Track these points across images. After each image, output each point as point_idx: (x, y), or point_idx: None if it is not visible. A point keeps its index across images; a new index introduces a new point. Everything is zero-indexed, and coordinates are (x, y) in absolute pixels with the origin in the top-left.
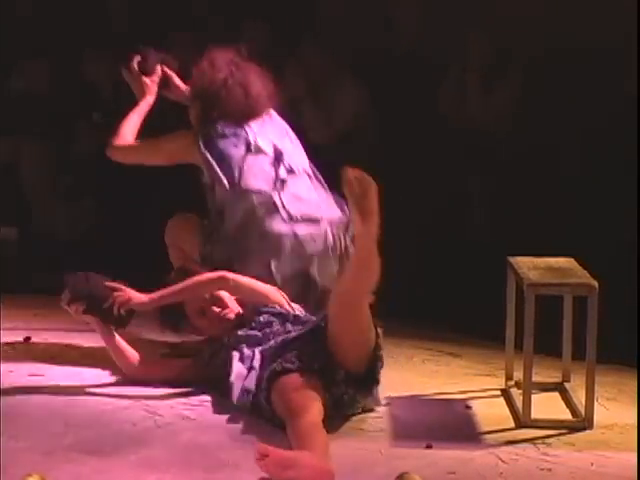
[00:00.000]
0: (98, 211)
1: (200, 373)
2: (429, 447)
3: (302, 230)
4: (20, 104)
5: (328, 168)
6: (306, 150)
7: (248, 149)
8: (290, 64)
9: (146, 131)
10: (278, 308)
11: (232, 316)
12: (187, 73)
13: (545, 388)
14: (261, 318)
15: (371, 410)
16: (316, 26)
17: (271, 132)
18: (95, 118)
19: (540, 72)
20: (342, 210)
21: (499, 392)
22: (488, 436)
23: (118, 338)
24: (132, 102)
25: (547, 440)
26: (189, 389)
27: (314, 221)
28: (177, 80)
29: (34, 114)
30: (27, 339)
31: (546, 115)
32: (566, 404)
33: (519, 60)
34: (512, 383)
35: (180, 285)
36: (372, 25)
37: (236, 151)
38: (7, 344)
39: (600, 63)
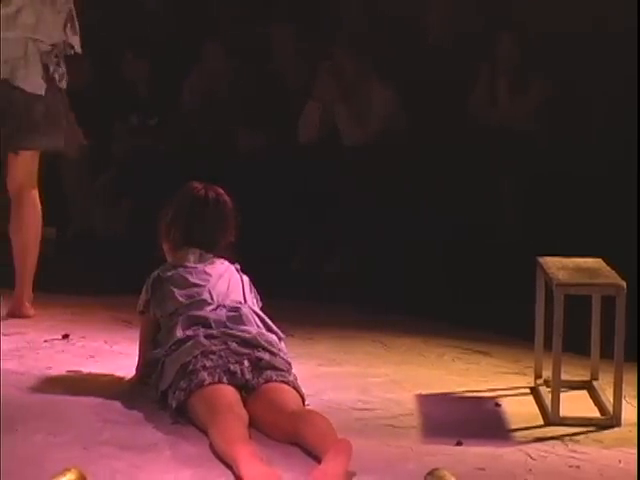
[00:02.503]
0: (136, 212)
1: None
2: (459, 444)
3: None
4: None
5: (362, 169)
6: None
7: None
8: (323, 67)
9: None
10: None
11: None
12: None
13: (573, 386)
14: None
15: None
16: (348, 29)
17: None
18: (133, 121)
19: (569, 73)
20: None
21: (528, 390)
22: (517, 433)
23: None
24: (169, 106)
25: (575, 437)
26: None
27: None
28: None
29: (75, 112)
30: (65, 336)
31: (576, 116)
32: (594, 402)
33: (548, 61)
34: (541, 381)
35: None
36: (403, 27)
37: None
38: (46, 341)
39: (629, 63)
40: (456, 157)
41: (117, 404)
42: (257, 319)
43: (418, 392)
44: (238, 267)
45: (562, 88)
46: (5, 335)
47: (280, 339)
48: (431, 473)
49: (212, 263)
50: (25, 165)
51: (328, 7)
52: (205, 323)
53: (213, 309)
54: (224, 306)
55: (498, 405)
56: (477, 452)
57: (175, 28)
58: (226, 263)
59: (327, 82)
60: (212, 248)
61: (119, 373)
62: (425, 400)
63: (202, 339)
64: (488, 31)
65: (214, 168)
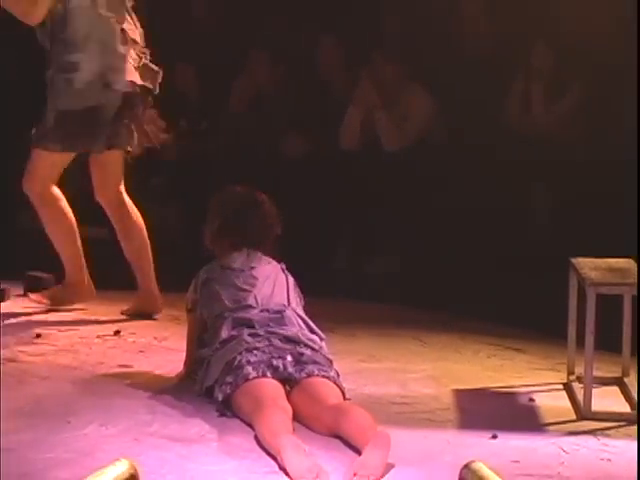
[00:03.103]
0: (186, 212)
1: None
2: (494, 437)
3: None
4: None
5: (402, 174)
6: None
7: None
8: (364, 75)
9: None
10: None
11: None
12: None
13: (605, 382)
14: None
15: None
16: (388, 37)
17: None
18: (182, 125)
19: (601, 80)
20: None
21: (561, 386)
22: (551, 427)
23: None
24: (218, 112)
25: (607, 432)
26: None
27: None
28: None
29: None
30: (117, 332)
31: (607, 121)
32: (625, 398)
33: (582, 69)
34: (574, 377)
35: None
36: (441, 35)
37: None
38: (98, 337)
39: None
40: (491, 161)
41: (166, 397)
42: (300, 320)
43: (455, 387)
44: (284, 267)
45: (595, 94)
46: (60, 331)
47: (321, 339)
48: (467, 465)
49: (259, 263)
50: (117, 164)
51: (369, 16)
52: (249, 324)
53: (257, 312)
54: (268, 310)
55: (532, 400)
56: (512, 445)
57: (223, 35)
58: (273, 262)
59: (367, 89)
60: (258, 248)
61: (168, 368)
62: (461, 395)
63: (246, 337)
64: (523, 39)
65: (259, 171)
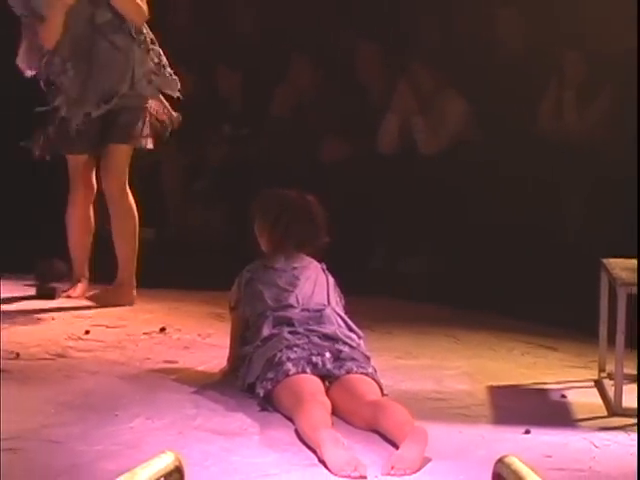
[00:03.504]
0: (229, 214)
1: None
2: (527, 432)
3: None
4: None
5: (437, 177)
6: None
7: None
8: (402, 82)
9: None
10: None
11: None
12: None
13: (635, 379)
14: None
15: None
16: (425, 45)
17: None
18: (226, 130)
19: (632, 87)
20: None
21: (592, 383)
22: (582, 423)
23: None
24: (260, 117)
25: (637, 427)
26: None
27: None
28: None
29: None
30: (163, 329)
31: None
32: None
33: (613, 76)
34: (605, 375)
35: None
36: (476, 42)
37: None
38: (145, 334)
39: None
40: (525, 164)
41: (209, 392)
42: (339, 319)
43: (489, 384)
44: (324, 267)
45: (627, 99)
46: (108, 328)
47: (359, 337)
48: (501, 459)
49: (301, 264)
50: (126, 160)
51: (407, 24)
52: (289, 323)
53: (298, 311)
54: (308, 309)
55: (564, 397)
56: (544, 440)
57: (266, 43)
58: (314, 263)
59: (405, 95)
60: (302, 249)
61: (211, 364)
62: (496, 391)
63: (286, 334)
64: (555, 46)
65: (300, 174)
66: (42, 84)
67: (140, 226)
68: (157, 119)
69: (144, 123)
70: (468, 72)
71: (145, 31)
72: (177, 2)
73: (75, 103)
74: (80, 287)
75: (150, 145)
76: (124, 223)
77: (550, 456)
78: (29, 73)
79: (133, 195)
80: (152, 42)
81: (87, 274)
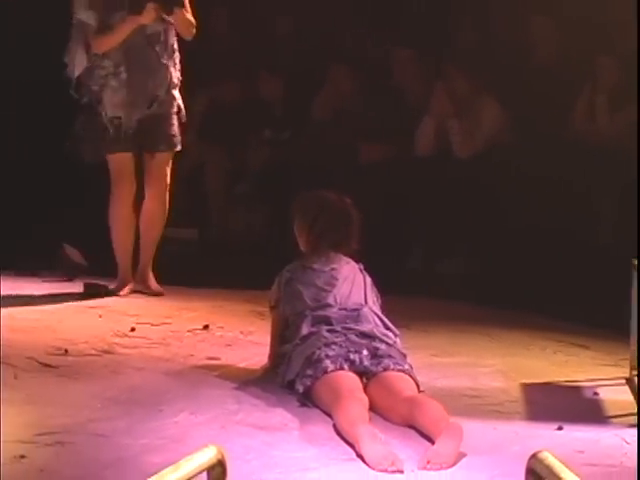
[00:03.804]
0: (270, 216)
1: None
2: (560, 429)
3: None
4: (211, 115)
5: (472, 179)
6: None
7: None
8: (438, 86)
9: None
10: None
11: None
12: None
13: None
14: None
15: None
16: (460, 51)
17: None
18: (267, 134)
19: None
20: None
21: (624, 380)
22: (614, 420)
23: None
24: (300, 121)
25: None
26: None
27: None
28: None
29: (220, 126)
30: (206, 327)
31: None
32: None
33: None
34: (635, 372)
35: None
36: (511, 48)
37: None
38: (189, 331)
39: None
40: (558, 167)
41: (251, 388)
42: (376, 318)
43: (523, 381)
44: (362, 267)
45: None
46: (153, 325)
47: (396, 335)
48: (535, 455)
49: (339, 264)
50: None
51: (443, 31)
52: (328, 321)
53: (336, 310)
54: (346, 308)
55: (596, 394)
56: (577, 436)
57: (306, 49)
58: (351, 263)
59: (441, 99)
60: (339, 250)
61: (253, 361)
62: (529, 389)
63: (324, 333)
64: (589, 52)
65: (339, 176)
66: (74, 83)
67: (183, 227)
68: (183, 115)
69: (177, 127)
70: (503, 76)
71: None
72: (219, 11)
73: (125, 105)
74: (129, 286)
75: (179, 146)
76: (155, 224)
77: (582, 452)
78: (75, 72)
79: (177, 197)
80: None
81: (131, 271)
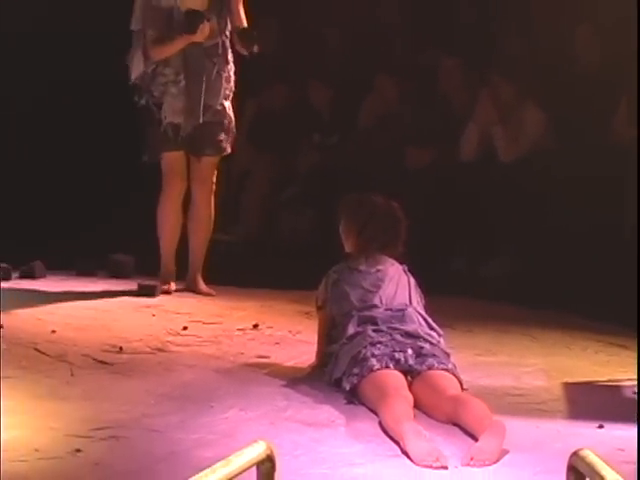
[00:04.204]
0: (317, 219)
1: None
2: (601, 427)
3: None
4: (260, 121)
5: (515, 183)
6: None
7: None
8: (483, 93)
9: None
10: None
11: None
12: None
13: None
14: None
15: None
16: (504, 59)
17: None
18: (315, 139)
19: None
20: None
21: None
22: None
23: None
24: (348, 127)
25: None
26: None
27: None
28: None
29: (270, 131)
30: (255, 326)
31: None
32: None
33: None
34: None
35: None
36: (554, 55)
37: None
38: (239, 330)
39: None
40: (598, 171)
41: (299, 386)
42: (420, 318)
43: (564, 380)
44: (406, 268)
45: None
46: (205, 324)
47: (439, 335)
48: (576, 452)
49: (384, 265)
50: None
51: (487, 39)
52: (373, 321)
53: (381, 311)
54: (391, 309)
55: (636, 393)
56: (617, 435)
57: (354, 57)
58: (396, 264)
59: (486, 106)
60: (385, 252)
61: (301, 359)
62: (571, 388)
63: (370, 332)
64: (630, 58)
65: (386, 180)
66: (135, 88)
67: (233, 230)
68: (233, 126)
69: (227, 133)
70: (546, 83)
71: None
72: (269, 21)
73: (183, 112)
74: (173, 283)
75: (229, 150)
76: (202, 226)
77: (622, 450)
78: (132, 76)
79: (227, 201)
80: None
81: (174, 267)
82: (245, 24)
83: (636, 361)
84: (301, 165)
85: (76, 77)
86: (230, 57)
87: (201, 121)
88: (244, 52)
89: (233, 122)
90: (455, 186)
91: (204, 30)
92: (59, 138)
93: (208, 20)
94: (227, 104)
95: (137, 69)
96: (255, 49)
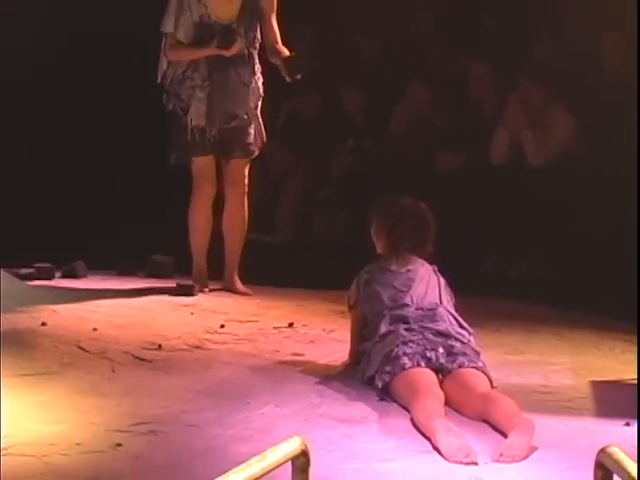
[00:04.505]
0: (351, 221)
1: None
2: (628, 424)
3: None
4: (295, 125)
5: (544, 187)
6: None
7: None
8: (512, 99)
9: None
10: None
11: None
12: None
13: None
14: None
15: None
16: (533, 65)
17: None
18: (349, 144)
19: None
20: None
21: None
22: None
23: None
24: (381, 131)
25: None
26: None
27: None
28: None
29: (304, 135)
30: (290, 325)
31: None
32: None
33: None
34: None
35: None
36: (581, 59)
37: None
38: (274, 328)
39: None
40: (625, 174)
41: (333, 383)
42: (450, 317)
43: (592, 379)
44: (436, 268)
45: None
46: (241, 322)
47: (470, 334)
48: (603, 449)
49: (414, 266)
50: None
51: (516, 46)
52: (405, 320)
53: (413, 310)
54: (422, 308)
55: None
56: None
57: (386, 64)
58: (426, 265)
59: (515, 111)
60: (415, 252)
61: (335, 357)
62: (598, 386)
63: (402, 331)
64: None
65: (418, 183)
66: (164, 93)
67: (269, 231)
68: (261, 132)
69: (254, 137)
70: (574, 88)
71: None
72: (305, 29)
73: (207, 117)
74: (206, 283)
75: (257, 152)
76: (237, 228)
77: None
78: (158, 78)
79: (263, 203)
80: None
81: (206, 268)
82: (287, 52)
83: None
84: (335, 169)
85: (118, 78)
86: (257, 68)
87: (219, 129)
88: (287, 78)
89: (262, 127)
90: (485, 188)
91: (236, 48)
92: (103, 140)
93: (240, 36)
94: (255, 112)
95: (160, 71)
96: (298, 77)
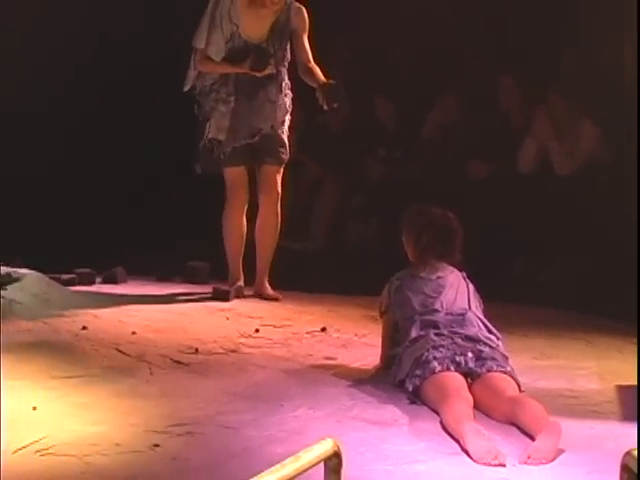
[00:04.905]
0: (382, 228)
1: None
2: None
3: None
4: (329, 136)
5: (571, 196)
6: None
7: None
8: (540, 110)
9: None
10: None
11: None
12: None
13: None
14: None
15: None
16: (561, 78)
17: None
18: (381, 153)
19: None
20: None
21: None
22: None
23: None
24: (414, 141)
25: None
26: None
27: None
28: None
29: (336, 145)
30: (323, 329)
31: None
32: None
33: None
34: None
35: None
36: (607, 72)
37: None
38: (308, 333)
39: None
40: None
41: (365, 386)
42: (479, 322)
43: (618, 383)
44: (465, 275)
45: None
46: (275, 327)
47: (498, 338)
48: (629, 452)
49: (444, 272)
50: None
51: (544, 59)
52: (435, 325)
53: (442, 315)
54: (451, 313)
55: None
56: None
57: (417, 75)
58: (455, 271)
59: (543, 122)
60: (443, 259)
61: (366, 361)
62: (623, 390)
63: (432, 336)
64: None
65: (448, 191)
66: (197, 101)
67: (302, 238)
68: (286, 145)
69: (282, 145)
70: (601, 100)
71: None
72: (339, 39)
73: (227, 131)
74: (238, 285)
75: (286, 160)
76: (269, 235)
77: None
78: (184, 87)
79: (297, 210)
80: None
81: (241, 273)
82: (320, 74)
83: None
84: (368, 177)
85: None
86: (285, 85)
87: (242, 143)
88: (325, 107)
89: (286, 142)
90: (514, 197)
91: (267, 69)
92: (143, 149)
93: (272, 57)
94: (282, 128)
95: (188, 79)
96: (335, 105)
